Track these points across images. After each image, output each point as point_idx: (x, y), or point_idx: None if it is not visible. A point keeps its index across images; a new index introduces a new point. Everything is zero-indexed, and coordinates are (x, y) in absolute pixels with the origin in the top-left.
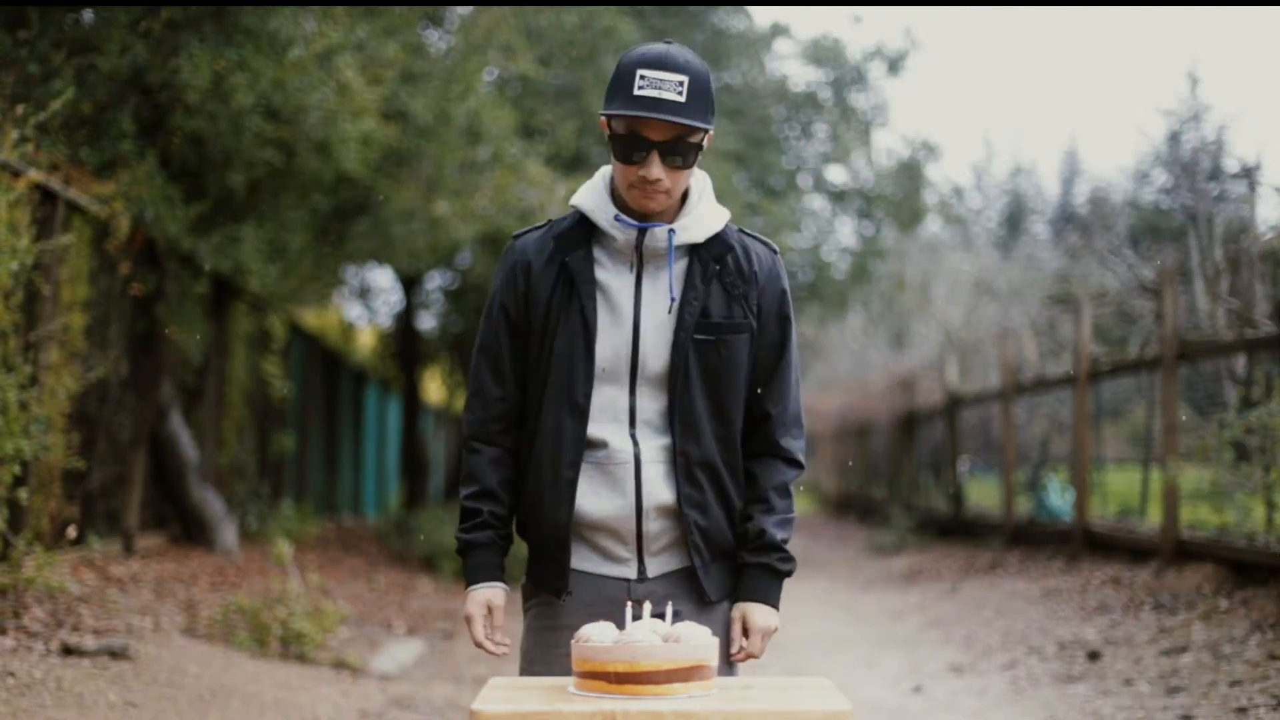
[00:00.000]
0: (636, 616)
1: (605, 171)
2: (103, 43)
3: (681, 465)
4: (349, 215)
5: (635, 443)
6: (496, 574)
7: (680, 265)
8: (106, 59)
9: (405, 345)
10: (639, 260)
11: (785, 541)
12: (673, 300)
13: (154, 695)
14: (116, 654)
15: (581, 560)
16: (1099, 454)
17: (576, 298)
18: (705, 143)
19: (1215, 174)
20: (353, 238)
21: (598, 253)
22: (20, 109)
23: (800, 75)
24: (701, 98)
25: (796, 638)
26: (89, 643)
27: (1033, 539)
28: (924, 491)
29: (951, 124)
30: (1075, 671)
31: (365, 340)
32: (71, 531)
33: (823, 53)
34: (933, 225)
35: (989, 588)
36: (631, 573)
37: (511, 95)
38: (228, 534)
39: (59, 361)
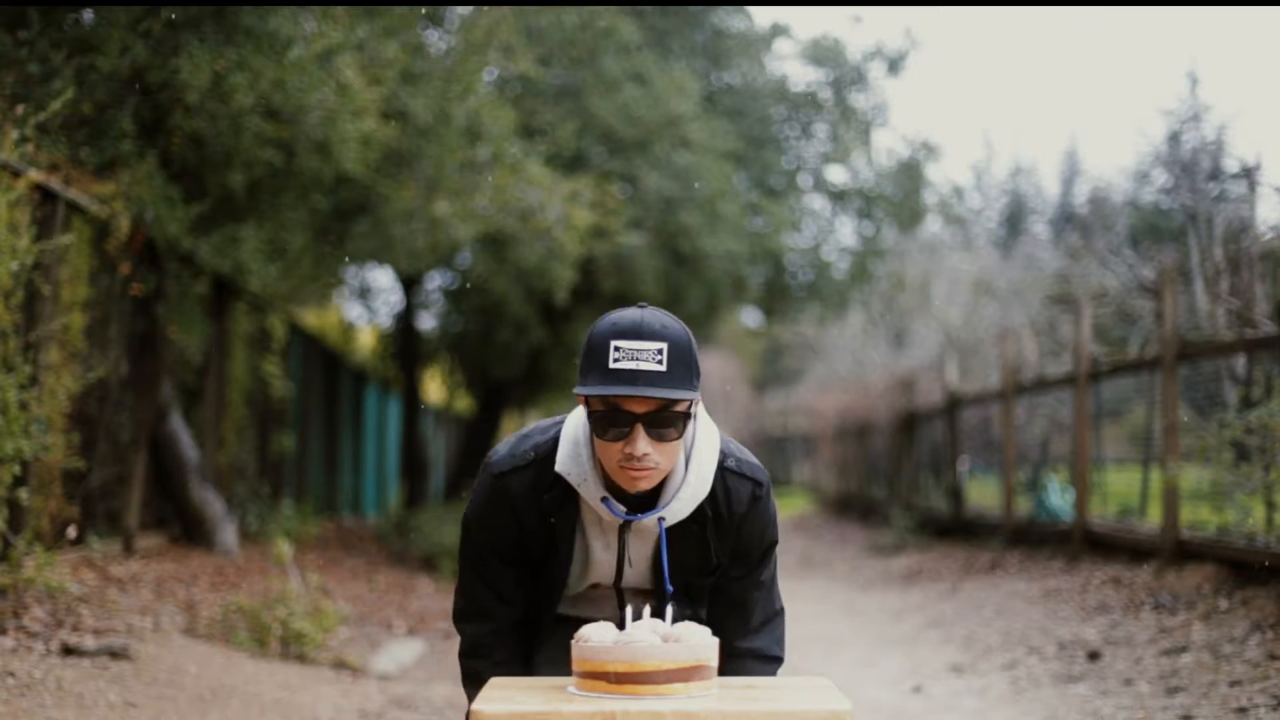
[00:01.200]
0: (637, 616)
1: (580, 427)
2: (103, 43)
3: (669, 603)
4: (349, 215)
5: (619, 593)
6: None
7: (663, 540)
8: (106, 59)
9: (405, 345)
10: (622, 533)
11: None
12: (658, 554)
13: (154, 695)
14: (116, 654)
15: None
16: (1099, 454)
17: (559, 556)
18: (693, 410)
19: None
20: (353, 238)
21: (584, 515)
22: (20, 109)
23: (800, 75)
24: (682, 362)
25: (796, 638)
26: (89, 643)
27: (1033, 539)
28: (924, 491)
29: (951, 124)
30: (1075, 671)
31: (365, 340)
32: (71, 531)
33: (823, 53)
34: (933, 225)
35: (989, 588)
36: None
37: (511, 95)
38: (228, 534)
39: (59, 361)
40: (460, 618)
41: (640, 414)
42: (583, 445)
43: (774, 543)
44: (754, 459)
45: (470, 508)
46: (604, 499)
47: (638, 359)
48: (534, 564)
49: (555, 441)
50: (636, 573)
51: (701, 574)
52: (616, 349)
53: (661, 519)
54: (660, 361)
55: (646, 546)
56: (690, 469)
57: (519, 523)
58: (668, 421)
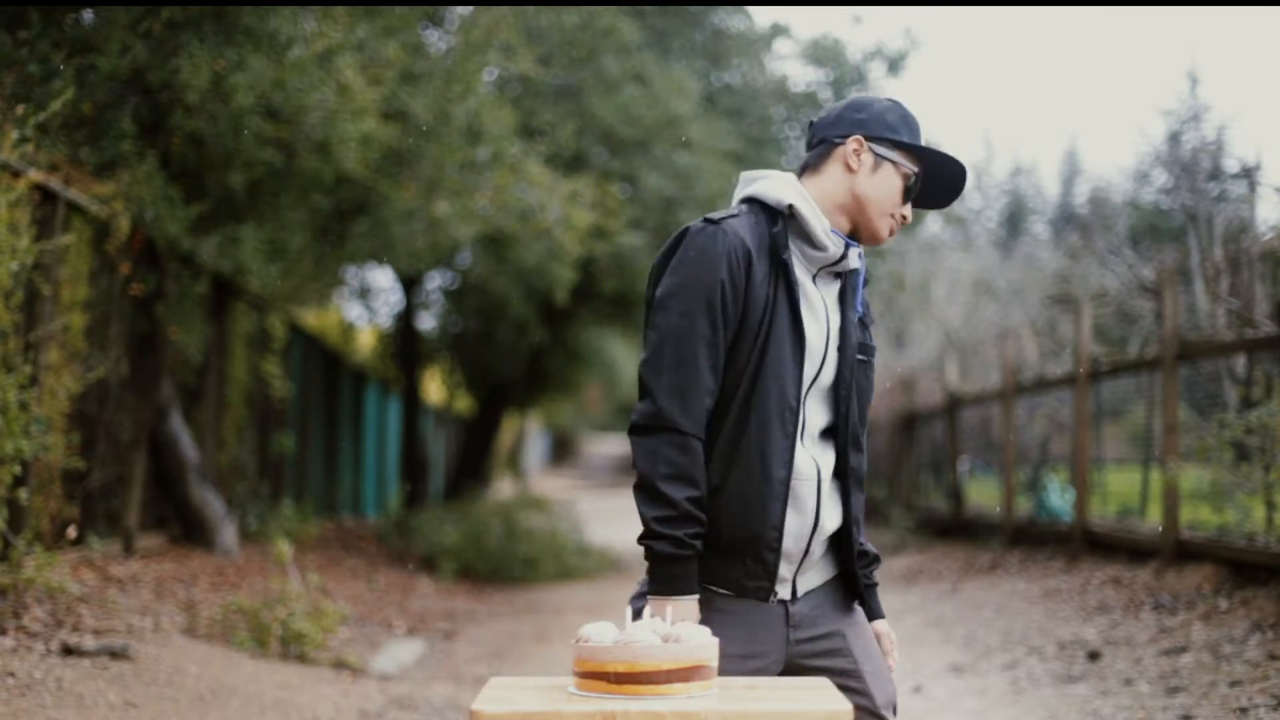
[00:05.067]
0: (636, 616)
1: (791, 178)
2: (103, 43)
3: (852, 485)
4: (349, 215)
5: (815, 460)
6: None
7: (836, 287)
8: (106, 59)
9: (405, 345)
10: (816, 276)
11: None
12: (855, 313)
13: (154, 695)
14: (116, 654)
15: (746, 578)
16: (1099, 454)
17: (790, 302)
18: None
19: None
20: (353, 238)
21: (796, 258)
22: (20, 109)
23: (800, 75)
24: None
25: None
26: (89, 643)
27: (1033, 539)
28: (924, 491)
29: (951, 124)
30: (1075, 671)
31: (365, 340)
32: (71, 532)
33: (823, 53)
34: (932, 225)
35: (989, 588)
36: (786, 592)
37: (511, 95)
38: (228, 534)
39: (59, 362)
40: (673, 395)
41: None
42: (805, 194)
43: None
44: None
45: (681, 268)
46: (832, 229)
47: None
48: (755, 333)
49: (744, 207)
50: (836, 340)
51: (872, 353)
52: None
53: (861, 254)
54: None
55: (835, 312)
56: None
57: (750, 277)
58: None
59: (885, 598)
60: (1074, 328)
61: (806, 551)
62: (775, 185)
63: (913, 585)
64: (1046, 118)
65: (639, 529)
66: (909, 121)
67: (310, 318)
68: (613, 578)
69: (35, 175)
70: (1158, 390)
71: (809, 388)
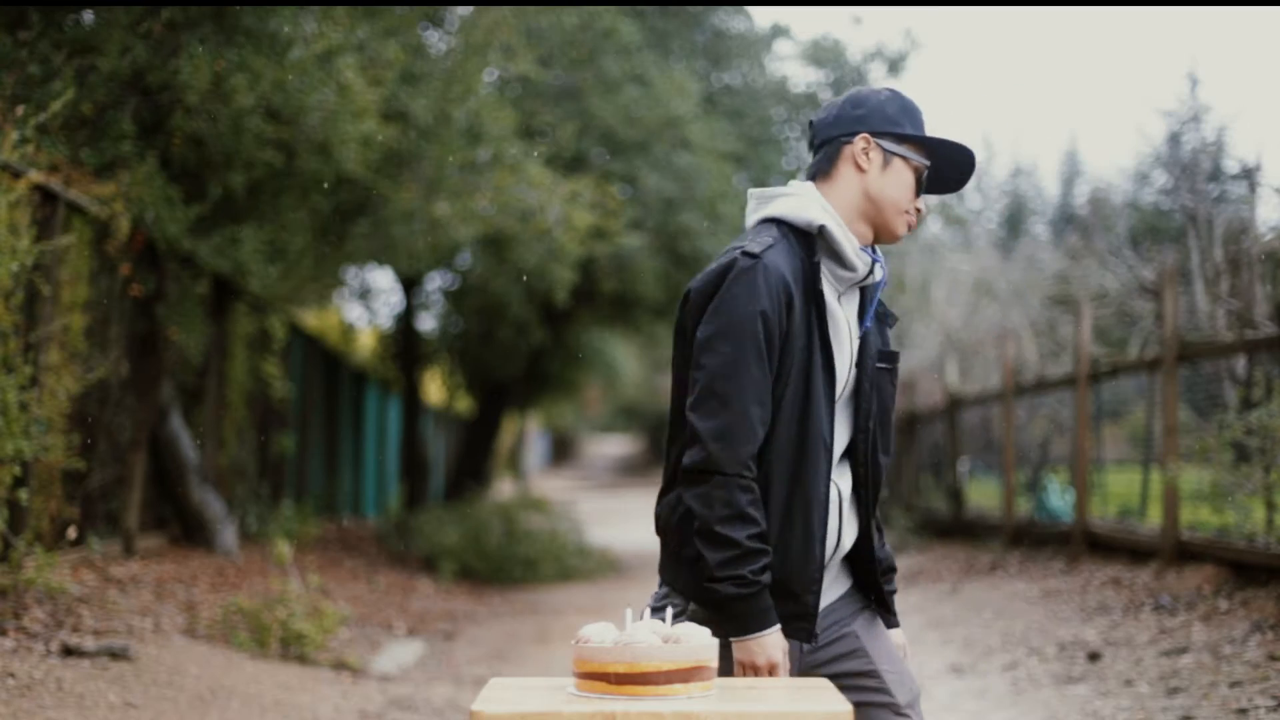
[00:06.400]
0: (638, 617)
1: (813, 191)
2: (103, 43)
3: (868, 504)
4: (349, 216)
5: (836, 485)
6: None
7: (856, 298)
8: (107, 60)
9: (405, 346)
10: (849, 290)
11: None
12: (865, 328)
13: (154, 696)
14: (116, 655)
15: (788, 619)
16: (1099, 455)
17: (820, 331)
18: None
19: (1215, 175)
20: (353, 239)
21: (825, 278)
22: (20, 110)
23: (800, 76)
24: None
25: None
26: (89, 643)
27: (1033, 540)
28: (924, 492)
29: (951, 124)
30: (1075, 672)
31: (365, 341)
32: (71, 532)
33: (823, 54)
34: (933, 226)
35: (989, 588)
36: (804, 619)
37: (512, 96)
38: (228, 535)
39: (59, 362)
40: (728, 436)
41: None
42: (831, 210)
43: None
44: None
45: (725, 307)
46: (861, 247)
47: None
48: (796, 365)
49: (775, 231)
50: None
51: (894, 360)
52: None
53: (884, 266)
54: None
55: (856, 326)
56: None
57: (792, 311)
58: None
59: None
60: (1074, 329)
61: (821, 573)
62: (802, 205)
63: (913, 586)
64: (1046, 118)
65: (652, 538)
66: (910, 111)
67: (310, 319)
68: (613, 578)
69: (35, 176)
70: (1158, 391)
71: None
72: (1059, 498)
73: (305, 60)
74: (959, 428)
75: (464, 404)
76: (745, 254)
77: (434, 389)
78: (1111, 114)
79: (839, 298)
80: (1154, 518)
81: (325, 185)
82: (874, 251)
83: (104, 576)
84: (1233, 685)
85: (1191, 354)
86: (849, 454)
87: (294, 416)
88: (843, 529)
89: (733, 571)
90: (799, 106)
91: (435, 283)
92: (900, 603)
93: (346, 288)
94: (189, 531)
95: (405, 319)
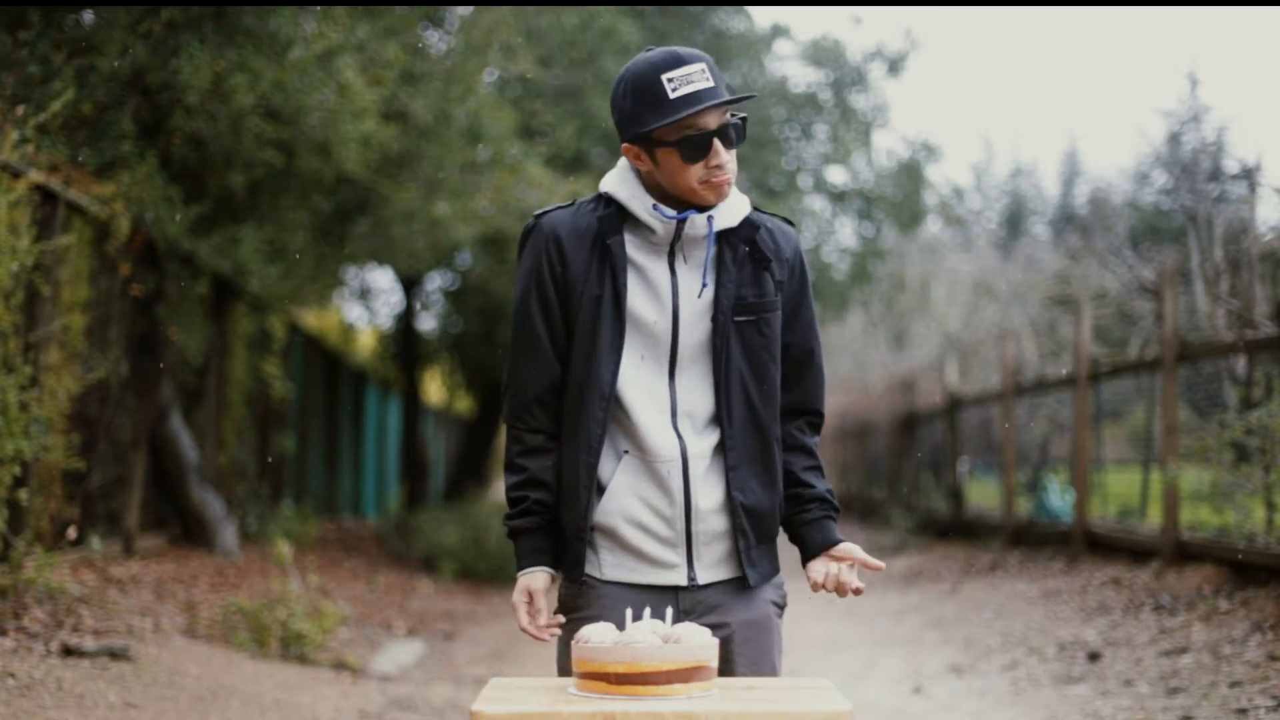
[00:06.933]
0: (637, 617)
1: (623, 162)
2: (103, 43)
3: (731, 460)
4: (349, 216)
5: (680, 439)
6: (540, 559)
7: (702, 256)
8: (107, 60)
9: (405, 346)
10: (673, 249)
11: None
12: (704, 285)
13: (154, 696)
14: (116, 655)
15: (621, 565)
16: (1099, 455)
17: (612, 281)
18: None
19: (1215, 175)
20: (353, 239)
21: (630, 240)
22: (20, 110)
23: (800, 76)
24: (720, 77)
25: (797, 639)
26: (89, 643)
27: (1033, 540)
28: (924, 492)
29: (951, 124)
30: (1075, 672)
31: (365, 341)
32: (72, 532)
33: (823, 54)
34: (933, 226)
35: (989, 589)
36: (680, 578)
37: (512, 96)
38: (228, 535)
39: (59, 362)
40: (503, 396)
41: (714, 129)
42: (630, 178)
43: (810, 287)
44: None
45: (518, 267)
46: (655, 206)
47: (692, 81)
48: (579, 318)
49: (587, 197)
50: (692, 312)
51: (761, 309)
52: (669, 80)
53: (710, 217)
54: (709, 77)
55: (696, 283)
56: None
57: (565, 265)
58: (734, 130)
59: (885, 598)
60: (1074, 329)
61: (689, 535)
62: (612, 174)
63: (913, 586)
64: (1046, 118)
65: None
66: (648, 93)
67: (310, 318)
68: None
69: (35, 176)
70: (1158, 391)
71: (671, 367)
72: (1059, 498)
73: (305, 60)
74: (959, 428)
75: (464, 404)
76: (533, 217)
77: (434, 389)
78: (1111, 114)
79: (668, 256)
80: (1154, 518)
81: (325, 185)
82: (692, 212)
83: (104, 576)
84: (1233, 685)
85: (1191, 354)
86: (718, 412)
87: (294, 417)
88: (693, 490)
89: (507, 521)
90: (799, 106)
91: (435, 283)
92: (900, 602)
93: (346, 288)
94: (189, 531)
95: (405, 319)
